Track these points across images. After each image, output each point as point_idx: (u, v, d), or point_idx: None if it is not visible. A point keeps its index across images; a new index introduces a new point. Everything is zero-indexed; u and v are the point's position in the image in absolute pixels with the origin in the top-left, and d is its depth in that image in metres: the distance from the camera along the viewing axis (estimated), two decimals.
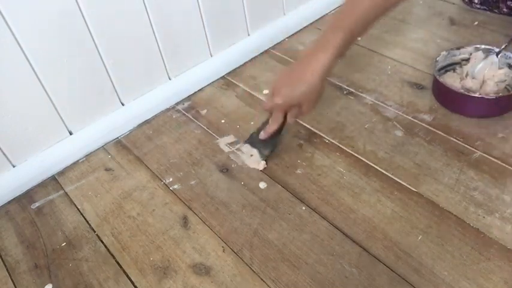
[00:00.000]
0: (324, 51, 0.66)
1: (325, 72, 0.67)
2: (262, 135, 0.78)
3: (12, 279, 0.68)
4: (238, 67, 1.06)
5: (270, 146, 0.80)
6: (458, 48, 0.91)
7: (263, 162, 0.79)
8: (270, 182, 0.77)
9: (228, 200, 0.75)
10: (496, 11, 1.06)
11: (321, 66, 0.66)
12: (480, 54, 0.87)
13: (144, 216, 0.75)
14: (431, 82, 0.91)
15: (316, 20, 1.19)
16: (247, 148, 0.82)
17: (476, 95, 0.82)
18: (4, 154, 0.79)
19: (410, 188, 0.72)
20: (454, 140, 0.79)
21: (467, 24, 1.08)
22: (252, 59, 1.08)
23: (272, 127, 0.76)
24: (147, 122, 0.94)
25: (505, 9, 1.04)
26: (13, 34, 0.71)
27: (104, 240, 0.72)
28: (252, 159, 0.80)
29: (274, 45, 1.12)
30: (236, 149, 0.83)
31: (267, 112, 0.77)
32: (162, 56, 0.93)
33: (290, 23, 1.14)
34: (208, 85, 1.02)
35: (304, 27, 1.17)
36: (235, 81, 1.02)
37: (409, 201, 0.70)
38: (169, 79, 0.98)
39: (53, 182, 0.84)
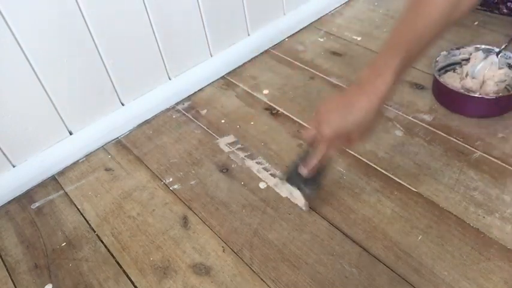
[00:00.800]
0: (382, 76, 0.56)
1: (384, 100, 0.56)
2: (304, 170, 0.66)
3: (12, 279, 0.68)
4: (238, 67, 1.06)
5: (314, 183, 0.68)
6: (458, 48, 0.91)
7: (307, 204, 0.69)
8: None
9: (228, 200, 0.75)
10: (496, 12, 1.06)
11: (380, 93, 0.56)
12: (480, 54, 0.87)
13: (144, 216, 0.75)
14: (431, 82, 0.91)
15: (316, 20, 1.19)
16: (286, 187, 0.71)
17: (476, 95, 0.82)
18: (4, 154, 0.79)
19: (410, 188, 0.72)
20: (454, 140, 0.79)
21: (467, 24, 1.07)
22: (252, 59, 1.08)
23: (315, 161, 0.64)
24: (147, 122, 0.94)
25: (505, 10, 1.04)
26: (13, 34, 0.71)
27: (104, 240, 0.72)
28: (294, 198, 0.71)
29: (274, 45, 1.12)
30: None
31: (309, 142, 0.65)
32: (162, 56, 0.93)
33: (290, 23, 1.14)
34: (208, 85, 1.02)
35: (304, 27, 1.17)
36: (235, 81, 1.02)
37: (409, 201, 0.70)
38: (169, 79, 0.98)
39: (53, 182, 0.84)
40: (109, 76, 0.87)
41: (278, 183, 0.74)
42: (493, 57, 0.85)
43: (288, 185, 0.70)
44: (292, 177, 0.69)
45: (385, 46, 0.58)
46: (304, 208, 0.70)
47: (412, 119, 0.84)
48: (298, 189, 0.69)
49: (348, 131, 0.58)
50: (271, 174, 0.78)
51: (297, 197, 0.69)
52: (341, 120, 0.58)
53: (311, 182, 0.67)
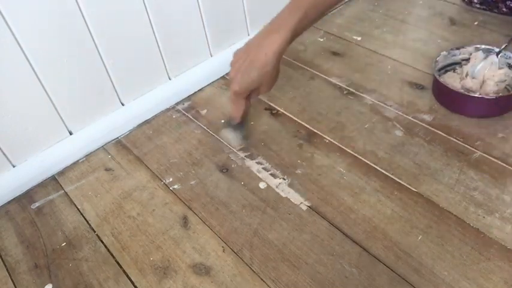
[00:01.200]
0: (279, 32, 0.64)
1: (279, 54, 0.65)
2: (233, 120, 0.77)
3: (12, 279, 0.68)
4: None
5: (242, 129, 0.79)
6: (458, 48, 0.91)
7: (237, 144, 0.82)
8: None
9: (228, 200, 0.75)
10: (495, 11, 1.06)
11: (276, 48, 0.64)
12: (480, 54, 0.87)
13: (144, 216, 0.75)
14: (431, 82, 0.91)
15: None
16: (224, 133, 0.81)
17: (476, 95, 0.82)
18: (4, 154, 0.79)
19: (410, 188, 0.72)
20: (454, 140, 0.79)
21: (467, 24, 1.08)
22: None
23: (237, 112, 0.74)
24: (147, 122, 0.94)
25: (504, 9, 1.04)
26: (13, 34, 0.71)
27: (104, 240, 0.72)
28: (229, 140, 0.82)
29: None
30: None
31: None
32: (162, 56, 0.93)
33: None
34: (208, 85, 1.02)
35: None
36: None
37: (409, 201, 0.70)
38: (169, 79, 0.98)
39: (53, 182, 0.84)
40: (109, 76, 0.87)
41: (221, 133, 0.83)
42: (493, 57, 0.85)
43: (224, 132, 0.80)
44: (227, 125, 0.79)
45: (286, 7, 0.66)
46: (236, 148, 0.83)
47: (412, 119, 0.84)
48: (233, 133, 0.79)
49: (254, 85, 0.67)
50: (271, 174, 0.78)
51: (231, 138, 0.80)
52: (245, 77, 0.67)
53: (240, 128, 0.78)
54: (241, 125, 0.78)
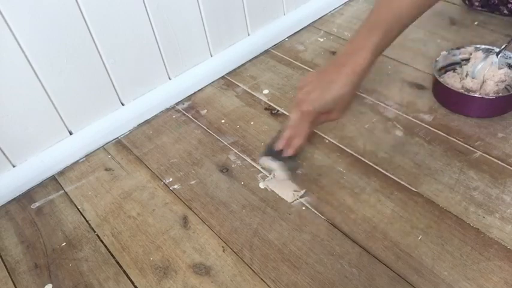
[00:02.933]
0: (361, 52, 0.58)
1: (363, 75, 0.59)
2: (284, 149, 0.65)
3: (12, 279, 0.68)
4: (238, 67, 1.06)
5: (294, 161, 0.67)
6: (458, 48, 0.91)
7: (287, 175, 0.68)
8: None
9: (228, 200, 0.75)
10: (496, 13, 1.06)
11: (358, 69, 0.58)
12: (480, 54, 0.87)
13: (144, 216, 0.75)
14: (431, 82, 0.91)
15: (316, 20, 1.19)
16: (266, 162, 0.68)
17: (476, 95, 0.82)
18: (4, 154, 0.79)
19: (410, 188, 0.72)
20: (454, 140, 0.79)
21: (467, 24, 1.08)
22: (252, 59, 1.08)
23: (298, 140, 0.64)
24: (147, 122, 0.94)
25: (505, 12, 1.04)
26: (13, 34, 0.71)
27: (104, 240, 0.72)
28: (278, 178, 0.69)
29: (274, 45, 1.12)
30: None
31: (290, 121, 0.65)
32: (162, 56, 0.93)
33: (290, 23, 1.14)
34: (208, 85, 1.02)
35: (304, 27, 1.17)
36: (235, 81, 1.02)
37: (409, 201, 0.70)
38: (169, 79, 0.98)
39: (53, 182, 0.84)
40: (109, 76, 0.87)
41: (262, 161, 0.71)
42: (493, 57, 0.85)
43: (265, 160, 0.69)
44: (272, 153, 0.68)
45: (364, 25, 0.60)
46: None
47: (412, 119, 0.84)
48: (279, 163, 0.67)
49: (328, 107, 0.60)
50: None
51: (277, 170, 0.68)
52: (321, 97, 0.60)
53: (290, 160, 0.67)
54: (293, 158, 0.67)
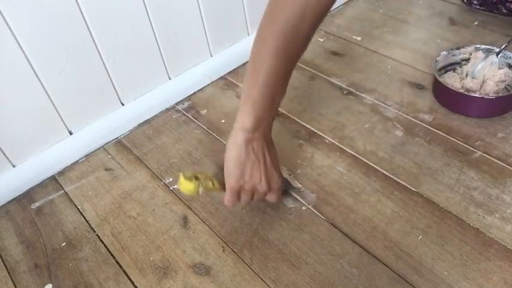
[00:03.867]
0: (242, 129, 0.59)
1: (247, 147, 0.59)
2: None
3: (12, 279, 0.68)
4: (238, 67, 1.06)
5: (287, 183, 0.74)
6: (458, 48, 0.91)
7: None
8: None
9: None
10: (495, 12, 1.06)
11: (240, 142, 0.59)
12: (480, 54, 0.87)
13: (144, 216, 0.75)
14: (431, 82, 0.91)
15: None
16: None
17: (476, 95, 0.82)
18: (4, 154, 0.79)
19: (410, 188, 0.72)
20: (454, 140, 0.79)
21: (467, 24, 1.08)
22: None
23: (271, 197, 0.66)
24: (147, 122, 0.94)
25: (504, 10, 1.04)
26: (13, 34, 0.71)
27: (104, 240, 0.72)
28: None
29: None
30: None
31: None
32: (162, 56, 0.93)
33: None
34: (208, 85, 1.02)
35: None
36: (235, 81, 1.02)
37: (409, 201, 0.70)
38: (169, 79, 0.98)
39: (53, 182, 0.84)
40: (109, 76, 0.87)
41: None
42: (493, 57, 0.85)
43: None
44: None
45: (241, 102, 0.60)
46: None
47: (412, 119, 0.84)
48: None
49: (242, 182, 0.61)
50: None
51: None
52: (229, 174, 0.61)
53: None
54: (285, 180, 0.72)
